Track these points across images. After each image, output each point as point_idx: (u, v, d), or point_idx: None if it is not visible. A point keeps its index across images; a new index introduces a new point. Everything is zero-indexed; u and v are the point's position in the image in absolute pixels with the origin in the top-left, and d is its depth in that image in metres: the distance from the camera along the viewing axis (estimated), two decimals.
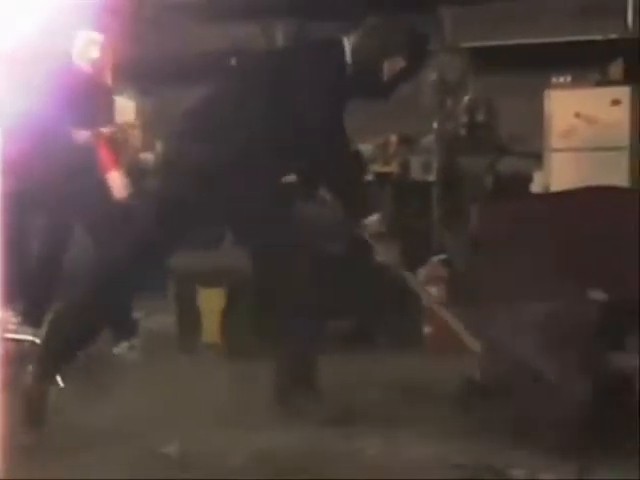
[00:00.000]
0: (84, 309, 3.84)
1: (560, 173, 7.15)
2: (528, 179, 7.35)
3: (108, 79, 6.05)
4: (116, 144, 5.24)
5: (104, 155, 5.15)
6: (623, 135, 7.03)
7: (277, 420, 3.91)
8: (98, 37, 5.22)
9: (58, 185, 5.07)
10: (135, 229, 3.92)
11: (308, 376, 4.07)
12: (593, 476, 3.02)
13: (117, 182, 5.18)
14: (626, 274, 6.03)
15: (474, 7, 7.82)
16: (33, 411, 3.72)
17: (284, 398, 4.04)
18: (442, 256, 5.39)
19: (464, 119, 6.58)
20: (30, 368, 3.85)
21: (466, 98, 6.30)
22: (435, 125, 5.97)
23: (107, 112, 5.38)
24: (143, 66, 7.50)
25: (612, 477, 3.17)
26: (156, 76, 7.72)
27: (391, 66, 3.94)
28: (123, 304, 4.51)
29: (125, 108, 6.77)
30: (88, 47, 5.22)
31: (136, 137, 5.90)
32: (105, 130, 5.21)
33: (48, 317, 4.32)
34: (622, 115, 7.03)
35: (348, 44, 3.93)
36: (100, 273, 3.96)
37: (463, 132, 6.61)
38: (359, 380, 4.61)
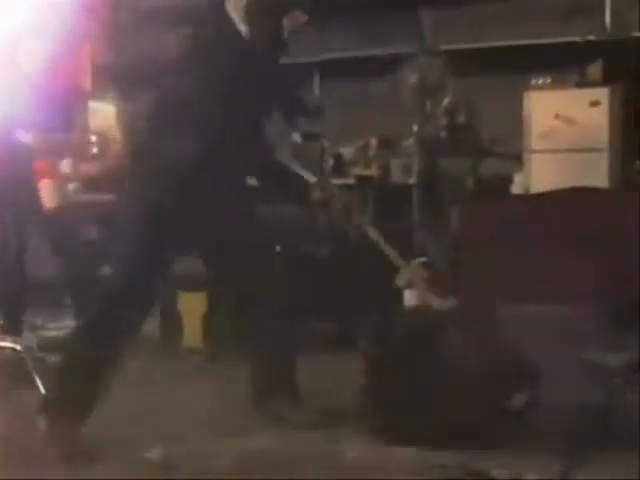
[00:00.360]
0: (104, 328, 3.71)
1: (540, 174, 7.17)
2: (509, 180, 7.38)
3: (86, 84, 6.02)
4: (83, 151, 5.17)
5: (39, 163, 5.08)
6: (602, 136, 7.06)
7: (260, 423, 3.91)
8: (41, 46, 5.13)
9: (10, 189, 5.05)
10: (130, 239, 3.82)
11: (286, 380, 4.06)
12: (576, 476, 3.04)
13: (47, 191, 5.09)
14: (607, 273, 6.08)
15: (454, 9, 7.84)
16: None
17: (261, 403, 4.03)
18: (423, 259, 5.39)
19: (444, 121, 6.58)
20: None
21: (446, 100, 6.30)
22: (415, 128, 5.97)
23: (68, 117, 5.26)
24: (123, 71, 7.48)
25: (595, 477, 3.18)
26: (136, 80, 7.71)
27: (291, 21, 3.89)
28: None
29: (105, 113, 6.74)
30: (32, 55, 5.15)
31: (117, 142, 5.87)
32: (70, 137, 5.15)
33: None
34: (601, 116, 7.06)
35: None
36: (108, 290, 3.86)
37: (443, 134, 6.62)
38: (342, 382, 4.62)
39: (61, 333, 5.57)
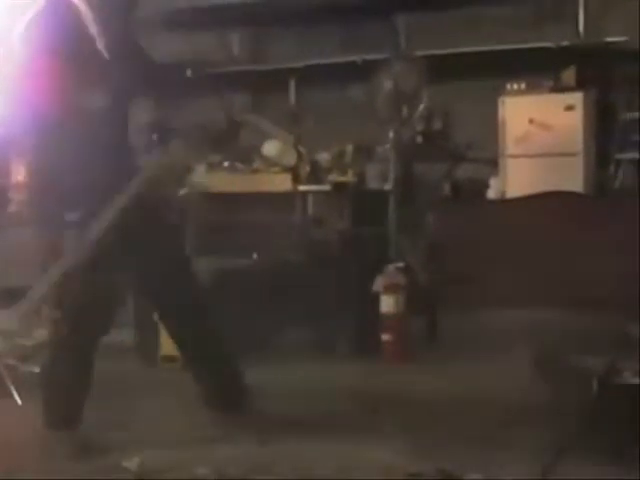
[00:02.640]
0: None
1: (516, 179, 7.22)
2: (484, 185, 7.42)
3: None
4: None
5: None
6: (577, 141, 7.11)
7: (234, 431, 3.91)
8: None
9: None
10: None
11: (239, 392, 4.03)
12: (556, 476, 3.05)
13: None
14: (582, 276, 6.12)
15: (429, 16, 7.88)
16: None
17: (215, 412, 4.00)
18: (399, 264, 5.41)
19: (420, 127, 6.63)
20: None
21: (422, 106, 6.32)
22: (391, 134, 5.99)
23: None
24: None
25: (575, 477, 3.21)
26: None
27: None
28: None
29: None
30: None
31: None
32: None
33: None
34: (576, 121, 7.11)
35: None
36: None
37: (419, 140, 6.66)
38: (317, 387, 4.64)
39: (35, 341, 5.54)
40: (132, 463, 3.54)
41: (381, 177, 6.17)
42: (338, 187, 6.19)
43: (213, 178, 6.42)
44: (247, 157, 6.59)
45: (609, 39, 7.28)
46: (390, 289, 5.22)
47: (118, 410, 4.26)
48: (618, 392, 3.58)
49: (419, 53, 6.64)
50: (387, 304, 5.22)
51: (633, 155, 7.18)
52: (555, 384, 4.01)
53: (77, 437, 3.74)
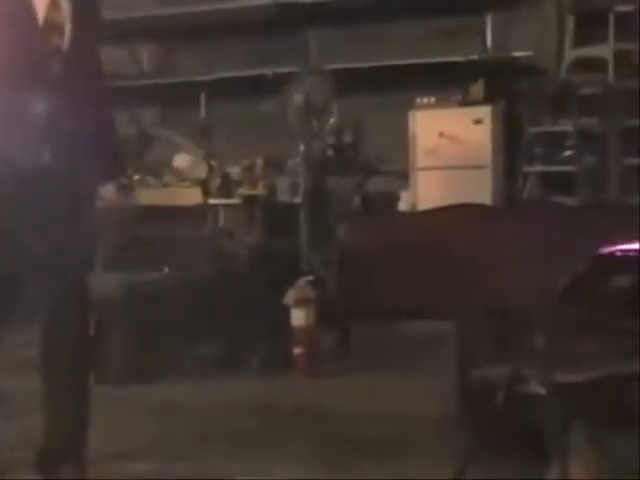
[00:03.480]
0: None
1: (426, 191, 7.28)
2: (396, 198, 7.47)
3: None
4: None
5: None
6: (485, 153, 7.20)
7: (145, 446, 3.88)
8: None
9: None
10: None
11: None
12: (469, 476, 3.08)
13: None
14: (493, 287, 6.19)
15: (339, 29, 7.92)
16: None
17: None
18: (310, 277, 5.42)
19: (331, 140, 6.64)
20: None
21: (332, 119, 6.35)
22: (302, 147, 6.00)
23: None
24: None
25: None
26: None
27: None
28: None
29: None
30: None
31: None
32: None
33: None
34: (484, 134, 7.20)
35: None
36: None
37: (330, 153, 6.67)
38: (227, 403, 4.62)
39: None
40: None
41: (292, 190, 6.18)
42: (248, 200, 6.18)
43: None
44: (157, 171, 6.55)
45: (516, 54, 7.40)
46: (301, 302, 5.23)
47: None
48: (524, 401, 3.63)
49: (329, 67, 6.67)
50: (298, 317, 5.22)
51: (538, 168, 7.31)
52: (464, 395, 4.05)
53: None
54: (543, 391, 3.61)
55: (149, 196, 6.34)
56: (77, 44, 3.30)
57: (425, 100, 7.40)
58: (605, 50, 7.15)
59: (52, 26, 3.25)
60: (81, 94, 3.28)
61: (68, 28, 3.28)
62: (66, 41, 3.27)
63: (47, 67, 3.22)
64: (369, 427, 4.18)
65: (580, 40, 7.33)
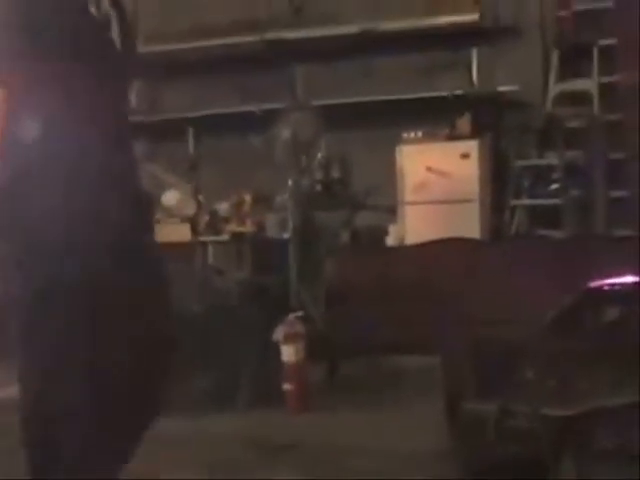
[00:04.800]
0: None
1: (414, 226, 7.31)
2: (384, 232, 7.49)
3: None
4: None
5: None
6: (473, 187, 7.24)
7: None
8: None
9: None
10: None
11: None
12: None
13: None
14: (481, 321, 6.19)
15: (325, 65, 7.97)
16: None
17: None
18: (299, 313, 5.43)
19: (319, 176, 6.66)
20: None
21: (320, 155, 6.38)
22: (290, 183, 6.03)
23: None
24: None
25: None
26: None
27: None
28: None
29: None
30: None
31: None
32: None
33: None
34: (471, 168, 7.25)
35: None
36: None
37: (318, 188, 6.70)
38: (217, 438, 4.61)
39: None
40: None
41: (280, 226, 6.19)
42: (237, 237, 6.19)
43: None
44: None
45: (501, 88, 7.46)
46: (290, 338, 5.22)
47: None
48: (514, 435, 3.63)
49: (316, 102, 6.70)
50: (287, 353, 5.21)
51: (525, 201, 7.35)
52: (455, 429, 4.05)
53: None
54: (532, 424, 3.62)
55: None
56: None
57: (412, 135, 7.44)
58: (590, 83, 7.23)
59: None
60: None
61: None
62: None
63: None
64: (360, 461, 4.17)
65: (565, 74, 7.40)
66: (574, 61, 7.42)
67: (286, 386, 5.21)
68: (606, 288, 4.30)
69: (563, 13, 7.41)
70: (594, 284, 4.35)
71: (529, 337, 4.38)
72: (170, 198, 6.34)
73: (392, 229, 7.44)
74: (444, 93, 7.50)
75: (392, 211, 7.44)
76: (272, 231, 6.30)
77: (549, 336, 4.19)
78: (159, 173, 6.69)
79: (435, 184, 7.27)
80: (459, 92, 7.51)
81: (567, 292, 4.39)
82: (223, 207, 6.50)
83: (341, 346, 5.82)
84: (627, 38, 6.82)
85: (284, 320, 5.32)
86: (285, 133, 6.14)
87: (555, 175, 7.20)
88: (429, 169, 7.31)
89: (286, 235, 6.00)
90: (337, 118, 6.39)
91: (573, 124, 7.18)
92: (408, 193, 7.38)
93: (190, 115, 8.04)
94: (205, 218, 6.35)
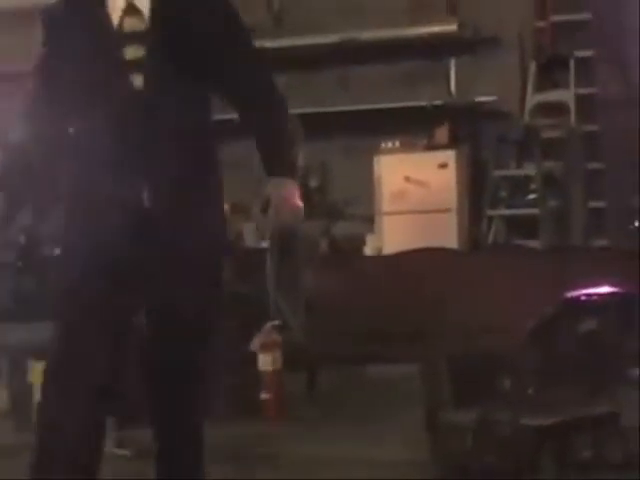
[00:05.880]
0: None
1: (392, 235, 7.31)
2: (362, 241, 7.48)
3: None
4: None
5: None
6: (451, 197, 7.25)
7: None
8: None
9: None
10: None
11: None
12: None
13: None
14: (459, 330, 6.20)
15: (304, 74, 7.96)
16: None
17: None
18: (276, 322, 5.41)
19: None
20: None
21: (298, 164, 6.36)
22: None
23: None
24: None
25: None
26: None
27: None
28: None
29: None
30: None
31: None
32: None
33: None
34: (449, 178, 7.26)
35: None
36: None
37: None
38: None
39: None
40: None
41: (258, 235, 6.18)
42: None
43: None
44: None
45: (479, 98, 7.48)
46: (267, 347, 5.21)
47: None
48: (492, 445, 3.64)
49: (294, 112, 6.69)
50: (264, 362, 5.20)
51: (503, 211, 7.36)
52: (434, 438, 4.05)
53: None
54: (511, 434, 3.63)
55: None
56: None
57: (390, 145, 7.45)
58: (567, 95, 7.26)
59: None
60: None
61: None
62: None
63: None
64: (338, 472, 4.16)
65: (543, 85, 7.42)
66: (552, 72, 7.44)
67: (264, 395, 5.19)
68: (583, 298, 4.32)
69: (541, 24, 7.44)
70: (571, 294, 4.37)
71: (507, 347, 4.40)
72: None
73: (370, 238, 7.44)
74: (422, 103, 7.51)
75: (370, 220, 7.44)
76: (250, 240, 6.28)
77: (527, 346, 4.21)
78: None
79: (413, 194, 7.28)
80: (437, 102, 7.52)
81: (545, 303, 4.40)
82: None
83: (320, 356, 5.81)
84: (604, 49, 6.87)
85: (261, 329, 5.31)
86: None
87: (533, 185, 7.22)
88: (407, 179, 7.31)
89: (264, 244, 5.98)
90: (315, 127, 6.39)
91: (551, 135, 7.21)
92: (386, 203, 7.38)
93: None
94: None
